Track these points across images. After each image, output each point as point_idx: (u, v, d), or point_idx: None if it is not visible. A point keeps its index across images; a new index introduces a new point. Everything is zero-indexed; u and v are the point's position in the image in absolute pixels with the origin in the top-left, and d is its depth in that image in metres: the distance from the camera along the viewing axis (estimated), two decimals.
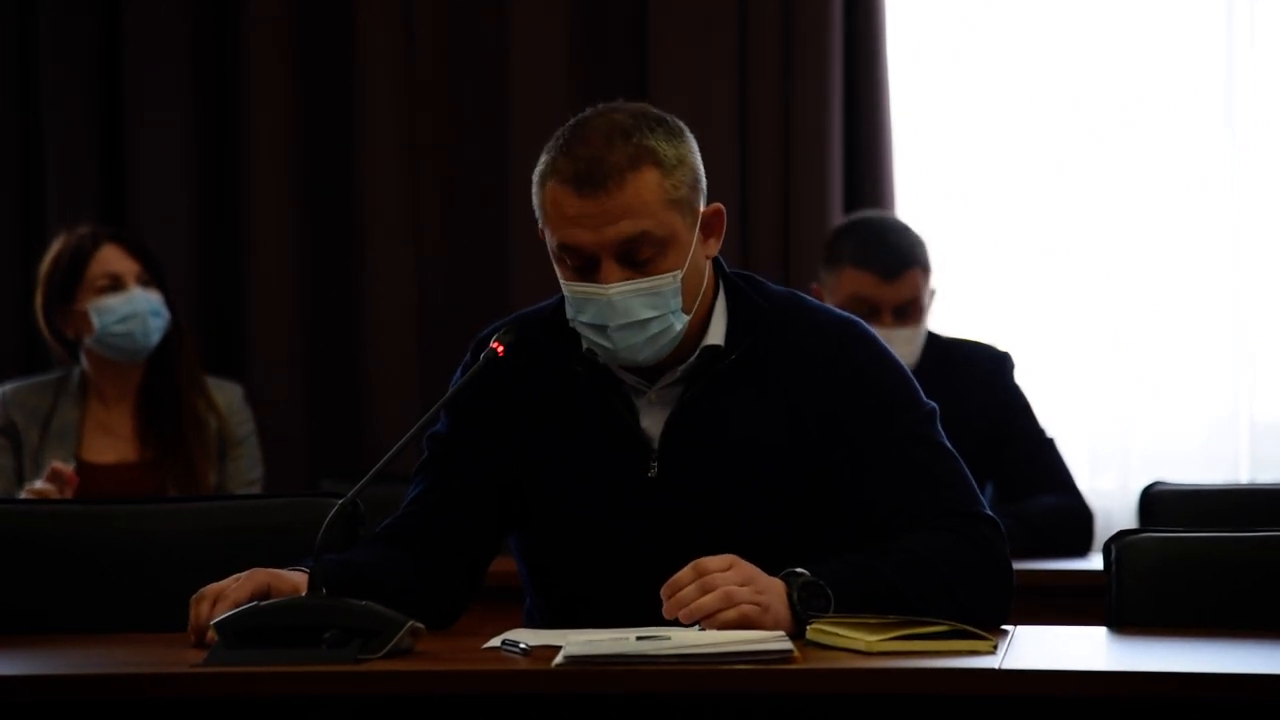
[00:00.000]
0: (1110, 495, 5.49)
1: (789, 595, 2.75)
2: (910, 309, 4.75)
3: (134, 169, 5.85)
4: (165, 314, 4.90)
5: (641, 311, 2.91)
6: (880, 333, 4.59)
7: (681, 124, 2.97)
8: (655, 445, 2.98)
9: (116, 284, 4.87)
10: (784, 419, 2.97)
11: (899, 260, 4.76)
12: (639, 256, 2.90)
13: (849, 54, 5.65)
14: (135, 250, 4.93)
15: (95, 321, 4.85)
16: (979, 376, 4.76)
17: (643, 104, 2.98)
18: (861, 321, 3.08)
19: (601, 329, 2.92)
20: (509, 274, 5.74)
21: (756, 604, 2.71)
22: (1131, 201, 5.62)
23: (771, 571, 2.77)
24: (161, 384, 4.93)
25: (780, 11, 5.63)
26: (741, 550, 2.80)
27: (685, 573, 2.73)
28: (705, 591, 2.70)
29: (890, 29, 5.66)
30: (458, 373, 3.07)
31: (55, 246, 4.94)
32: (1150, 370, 5.61)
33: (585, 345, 2.98)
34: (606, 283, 2.89)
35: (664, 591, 2.73)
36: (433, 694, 2.51)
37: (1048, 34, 5.66)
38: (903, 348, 4.66)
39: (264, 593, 2.76)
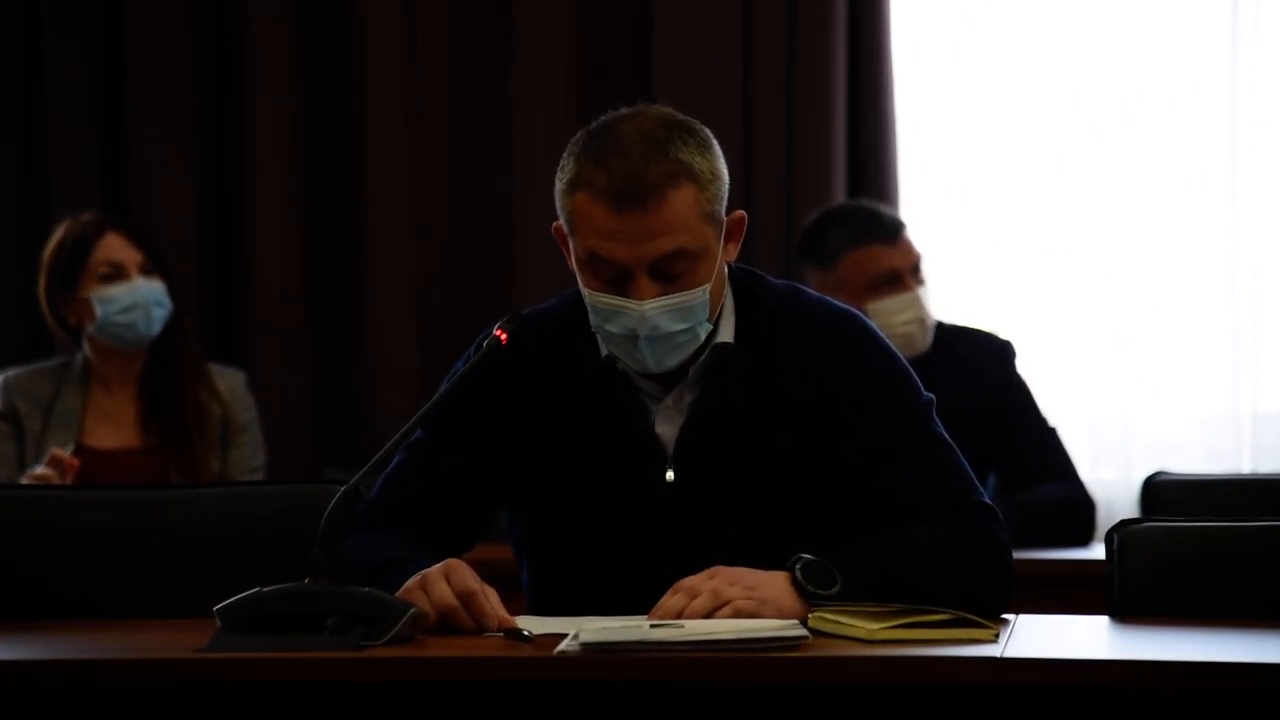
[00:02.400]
0: (1112, 485, 5.49)
1: (793, 579, 2.76)
2: (919, 268, 4.78)
3: (136, 157, 5.84)
4: (167, 304, 4.90)
5: (672, 325, 2.91)
6: (906, 297, 4.70)
7: (707, 131, 2.95)
8: (670, 450, 2.99)
9: (119, 273, 4.87)
10: (794, 417, 2.98)
11: (893, 222, 4.81)
12: (674, 271, 2.89)
13: (852, 48, 5.65)
14: (138, 239, 4.92)
15: (97, 310, 4.85)
16: (981, 365, 4.77)
17: (666, 109, 2.96)
18: (861, 314, 3.09)
19: (632, 342, 2.91)
20: (511, 264, 5.73)
21: (750, 599, 2.72)
22: (1134, 192, 5.62)
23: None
24: (164, 371, 4.93)
25: (785, 6, 5.63)
26: (757, 550, 2.83)
27: (667, 595, 2.74)
28: (692, 599, 2.71)
29: (894, 22, 5.65)
30: (459, 364, 3.06)
31: (58, 233, 4.94)
32: (1152, 360, 5.61)
33: (605, 351, 2.98)
34: (641, 298, 2.88)
35: (651, 615, 2.72)
36: (437, 680, 2.52)
37: (1051, 27, 5.66)
38: (926, 307, 4.69)
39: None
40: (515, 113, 5.73)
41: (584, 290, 2.95)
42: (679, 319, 2.91)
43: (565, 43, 5.72)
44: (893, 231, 4.78)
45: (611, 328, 2.92)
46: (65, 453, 4.53)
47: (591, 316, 2.95)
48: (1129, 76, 5.61)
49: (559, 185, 2.93)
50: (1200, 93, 5.61)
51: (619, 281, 2.90)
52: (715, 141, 2.96)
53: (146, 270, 4.89)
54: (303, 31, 5.82)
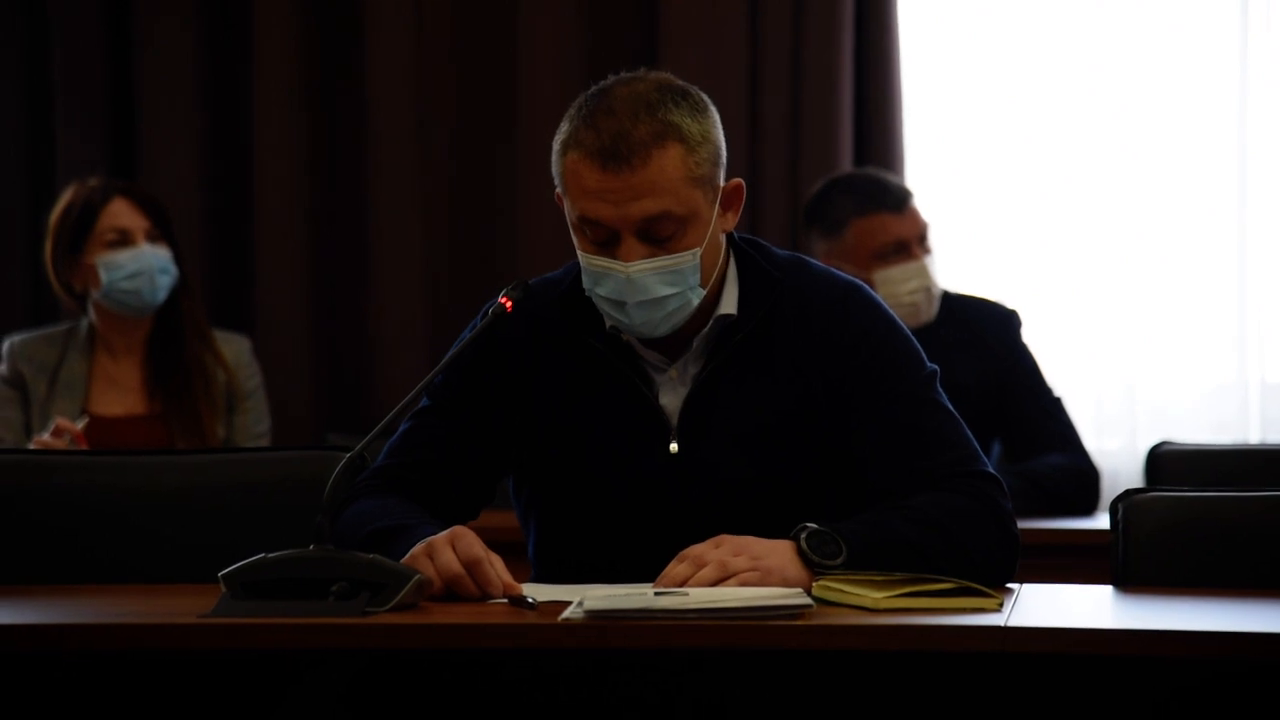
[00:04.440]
0: (1117, 455, 5.49)
1: (798, 548, 2.76)
2: (927, 236, 4.77)
3: (144, 122, 5.85)
4: (173, 270, 4.89)
5: (660, 289, 2.90)
6: (913, 266, 4.69)
7: (705, 97, 2.95)
8: (674, 421, 2.99)
9: (125, 239, 4.87)
10: (797, 388, 2.98)
11: (901, 191, 4.80)
12: (660, 234, 2.89)
13: (859, 19, 5.64)
14: (145, 205, 4.92)
15: (103, 276, 4.85)
16: (987, 334, 4.77)
17: (667, 74, 2.96)
18: (865, 285, 3.08)
19: (620, 304, 2.91)
20: (515, 233, 5.74)
21: (755, 569, 2.72)
22: (1140, 162, 5.62)
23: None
24: (169, 337, 4.93)
25: None
26: (760, 520, 2.84)
27: (673, 563, 2.74)
28: (698, 569, 2.71)
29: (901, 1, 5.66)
30: (465, 332, 3.06)
31: (65, 197, 4.93)
32: (1158, 330, 5.62)
33: (608, 324, 2.98)
34: (627, 260, 2.88)
35: (656, 583, 2.73)
36: (442, 647, 2.52)
37: (1057, 3, 5.65)
38: (931, 276, 4.69)
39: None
40: (520, 87, 5.73)
41: (578, 253, 2.95)
42: (667, 283, 2.91)
43: (571, 24, 5.71)
44: (900, 200, 4.77)
45: (601, 290, 2.92)
46: (72, 423, 4.53)
47: (584, 279, 2.95)
48: (1135, 48, 5.61)
49: (555, 146, 2.94)
50: (1207, 65, 5.61)
51: (608, 244, 2.90)
52: (713, 108, 2.95)
53: (153, 237, 4.89)
54: (310, 5, 5.81)
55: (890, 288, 4.60)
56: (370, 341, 5.81)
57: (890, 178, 4.93)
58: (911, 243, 4.74)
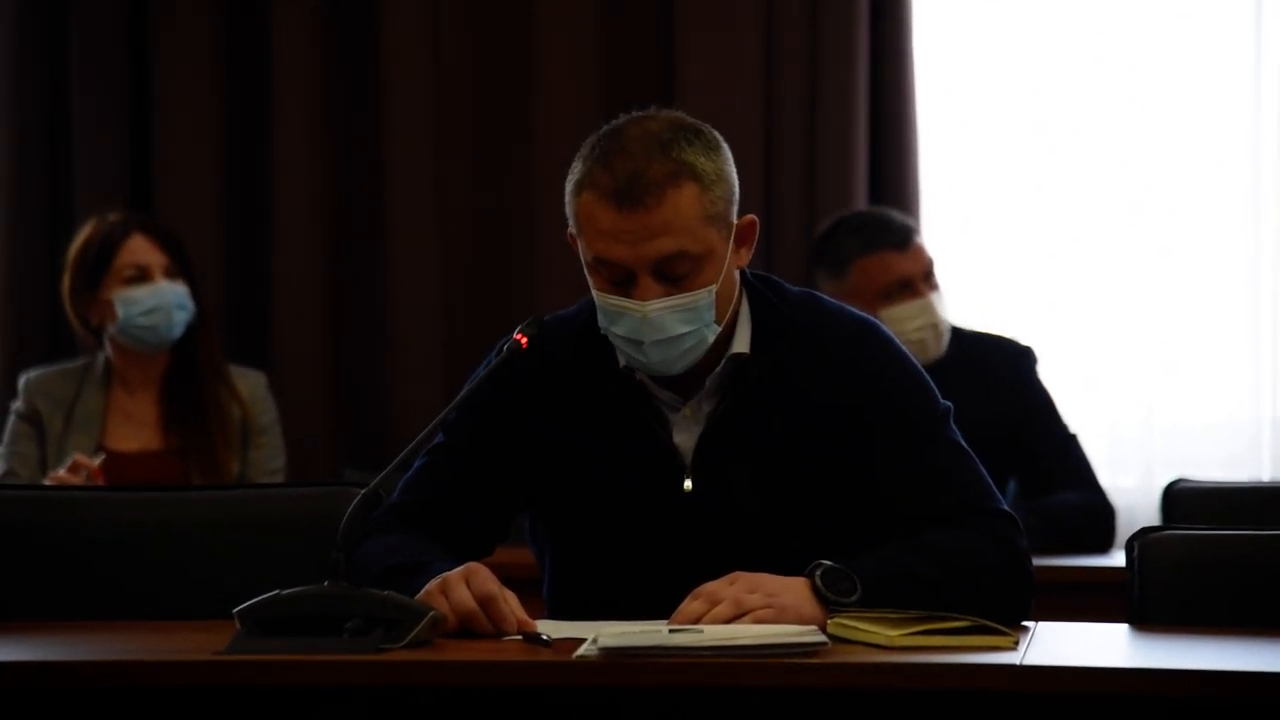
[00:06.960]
0: (1132, 492, 5.48)
1: (813, 585, 2.76)
2: (932, 274, 4.77)
3: (161, 157, 5.85)
4: (190, 306, 4.90)
5: (676, 327, 2.91)
6: (919, 303, 4.69)
7: (717, 134, 2.95)
8: (688, 459, 2.99)
9: (143, 275, 4.88)
10: (810, 426, 2.98)
11: (904, 228, 4.80)
12: (676, 272, 2.90)
13: (874, 54, 5.64)
14: (163, 241, 4.93)
15: (120, 312, 4.86)
16: (1002, 371, 4.76)
17: (678, 113, 2.96)
18: (879, 323, 3.08)
19: (637, 343, 2.92)
20: (533, 267, 5.74)
21: (770, 606, 2.72)
22: (1155, 197, 5.61)
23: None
24: (185, 372, 4.93)
25: (806, 13, 5.63)
26: (775, 558, 2.83)
27: (687, 600, 2.74)
28: (713, 606, 2.71)
29: (916, 26, 5.65)
30: (480, 368, 3.06)
31: (84, 232, 4.94)
32: (1173, 366, 5.60)
33: (623, 362, 2.98)
34: (644, 299, 2.89)
35: (671, 620, 2.73)
36: (456, 684, 2.52)
37: (1072, 33, 5.65)
38: (940, 313, 4.69)
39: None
40: (537, 117, 5.74)
41: (593, 292, 2.95)
42: (684, 321, 2.91)
43: (587, 52, 5.72)
44: (903, 237, 4.77)
45: (618, 329, 2.93)
46: (90, 460, 4.53)
47: (600, 318, 2.96)
48: (1149, 81, 5.60)
49: (568, 187, 2.94)
50: (1222, 98, 5.60)
51: (624, 283, 2.91)
52: (725, 145, 2.95)
53: (171, 273, 4.89)
54: (330, 23, 5.83)
55: (896, 326, 4.59)
56: (387, 377, 5.81)
57: (894, 214, 4.92)
58: (916, 280, 4.74)
